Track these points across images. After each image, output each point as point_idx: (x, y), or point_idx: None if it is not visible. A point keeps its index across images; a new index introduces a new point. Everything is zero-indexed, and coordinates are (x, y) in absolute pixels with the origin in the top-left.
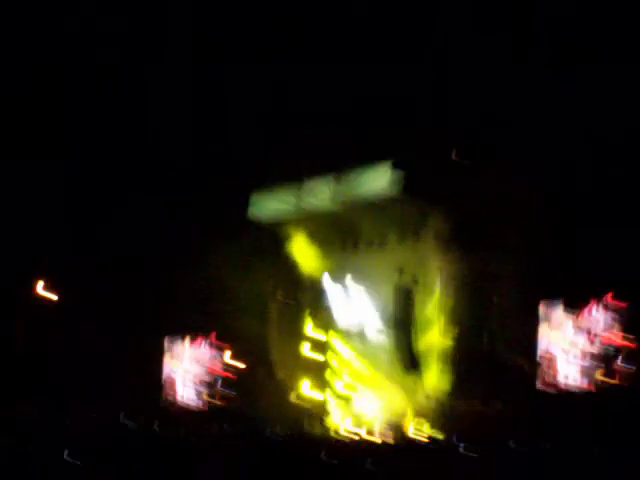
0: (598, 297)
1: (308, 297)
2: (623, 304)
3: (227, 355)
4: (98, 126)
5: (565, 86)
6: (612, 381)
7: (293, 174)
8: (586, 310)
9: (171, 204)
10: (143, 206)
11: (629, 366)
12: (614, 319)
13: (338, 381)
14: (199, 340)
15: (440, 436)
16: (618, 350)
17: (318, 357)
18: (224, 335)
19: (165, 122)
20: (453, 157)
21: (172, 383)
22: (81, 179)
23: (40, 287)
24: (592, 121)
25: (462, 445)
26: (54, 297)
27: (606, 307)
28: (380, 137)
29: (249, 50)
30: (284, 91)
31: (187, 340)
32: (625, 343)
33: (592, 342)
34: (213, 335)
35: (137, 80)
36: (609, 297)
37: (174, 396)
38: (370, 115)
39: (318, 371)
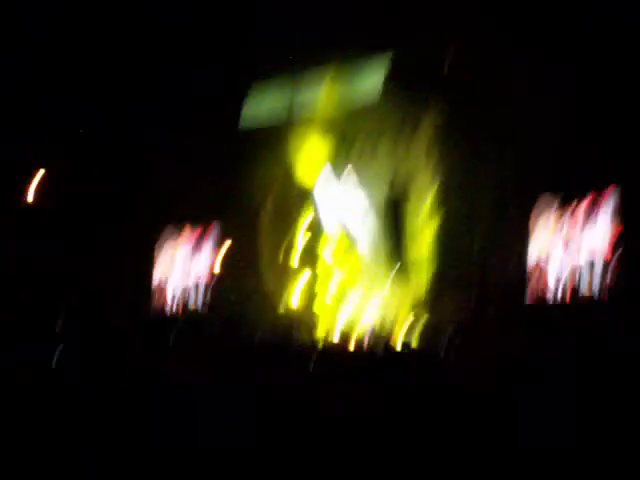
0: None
1: (300, 205)
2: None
3: (216, 265)
4: None
5: None
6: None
7: (282, 78)
8: (580, 213)
9: (166, 107)
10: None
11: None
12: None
13: (327, 292)
14: (192, 233)
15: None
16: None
17: (307, 267)
18: (221, 229)
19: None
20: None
21: (162, 291)
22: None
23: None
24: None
25: (445, 354)
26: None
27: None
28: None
29: None
30: None
31: (178, 243)
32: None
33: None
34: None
35: None
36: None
37: (163, 304)
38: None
39: (307, 282)
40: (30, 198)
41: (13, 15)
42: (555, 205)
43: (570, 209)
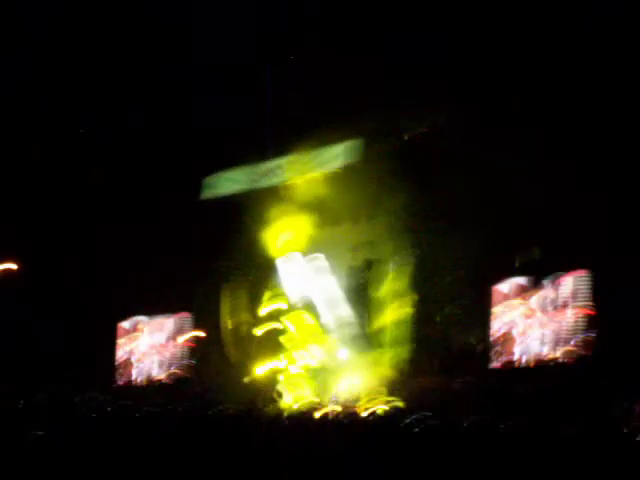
0: (554, 272)
1: (266, 277)
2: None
3: (183, 337)
4: None
5: None
6: (569, 353)
7: (247, 156)
8: (541, 286)
9: (124, 189)
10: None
11: (587, 335)
12: (569, 293)
13: (292, 362)
14: (155, 323)
15: (389, 411)
16: (576, 322)
17: (273, 337)
18: (191, 314)
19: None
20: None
21: (126, 364)
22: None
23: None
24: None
25: (412, 418)
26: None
27: (561, 282)
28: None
29: None
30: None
31: (141, 322)
32: (583, 312)
33: (548, 317)
34: (170, 317)
35: None
36: (566, 272)
37: (128, 377)
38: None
39: (272, 352)
40: None
41: None
42: (520, 284)
43: (535, 290)
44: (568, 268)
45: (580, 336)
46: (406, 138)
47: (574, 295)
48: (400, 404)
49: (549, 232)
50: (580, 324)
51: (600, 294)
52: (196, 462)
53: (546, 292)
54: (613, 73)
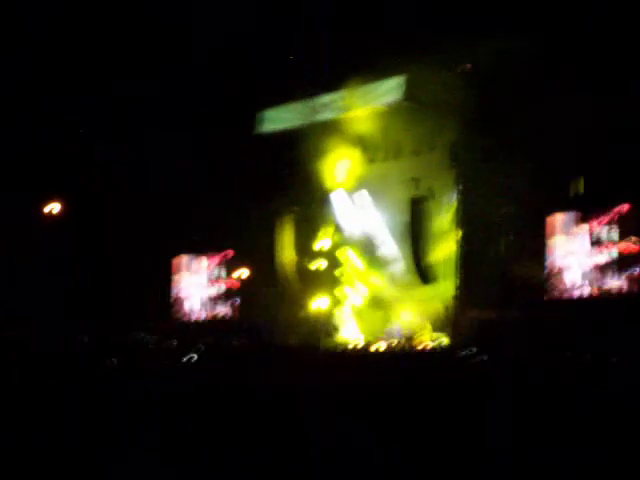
0: (608, 208)
1: (320, 212)
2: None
3: (240, 271)
4: None
5: None
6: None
7: (303, 91)
8: (596, 220)
9: (182, 124)
10: (147, 126)
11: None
12: (623, 229)
13: (347, 296)
14: (212, 257)
15: (448, 343)
16: (627, 258)
17: (328, 272)
18: (238, 252)
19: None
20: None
21: (182, 300)
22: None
23: (51, 207)
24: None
25: (469, 351)
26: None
27: (615, 217)
28: (389, 50)
29: None
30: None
31: (199, 257)
32: (631, 249)
33: (601, 251)
34: (226, 252)
35: None
36: (619, 208)
37: (185, 313)
38: (379, 29)
39: (328, 286)
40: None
41: None
42: (572, 219)
43: (588, 222)
44: (617, 202)
45: (634, 269)
46: (458, 71)
47: (626, 228)
48: (455, 338)
49: (600, 166)
50: (633, 257)
51: None
52: (256, 395)
53: (599, 225)
54: None
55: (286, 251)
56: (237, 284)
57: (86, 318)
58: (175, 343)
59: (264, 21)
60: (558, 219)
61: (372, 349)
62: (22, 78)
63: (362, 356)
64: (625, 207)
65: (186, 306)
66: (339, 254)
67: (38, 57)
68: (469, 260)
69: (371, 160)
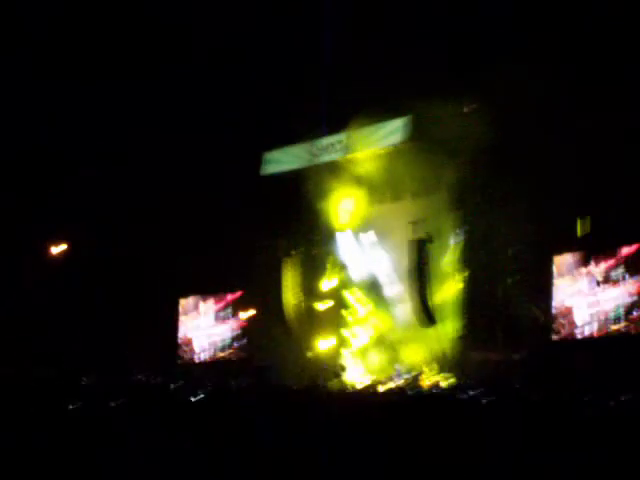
0: (614, 248)
1: (326, 252)
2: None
3: (245, 313)
4: None
5: None
6: (628, 329)
7: (306, 132)
8: (602, 260)
9: (184, 164)
10: (155, 167)
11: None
12: (630, 270)
13: (354, 336)
14: (216, 299)
15: (453, 384)
16: (632, 297)
17: (335, 312)
18: (244, 293)
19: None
20: (465, 109)
21: (189, 342)
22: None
23: (52, 248)
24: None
25: (474, 393)
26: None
27: (622, 258)
28: (389, 92)
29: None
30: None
31: (206, 298)
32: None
33: (607, 292)
34: (232, 294)
35: None
36: (626, 248)
37: (191, 354)
38: (379, 71)
39: (334, 327)
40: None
41: None
42: (577, 259)
43: (593, 263)
44: (626, 241)
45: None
46: (464, 111)
47: (632, 268)
48: (462, 378)
49: (606, 206)
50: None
51: None
52: (263, 436)
53: (606, 265)
54: None
55: (292, 291)
56: (244, 325)
57: (91, 359)
58: (181, 384)
59: (269, 62)
60: (564, 259)
61: (379, 389)
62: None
63: (370, 396)
64: (633, 247)
65: (193, 347)
66: (345, 294)
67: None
68: (474, 300)
69: (376, 201)
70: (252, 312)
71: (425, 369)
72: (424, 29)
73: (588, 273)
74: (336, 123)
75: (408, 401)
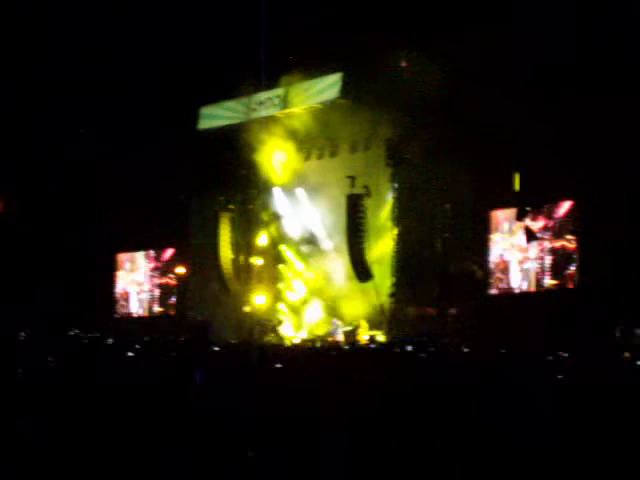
0: (547, 205)
1: (260, 207)
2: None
3: (180, 269)
4: None
5: None
6: (556, 284)
7: (241, 88)
8: (539, 217)
9: (119, 120)
10: (90, 124)
11: (571, 268)
12: (563, 225)
13: (291, 290)
14: (153, 254)
15: (386, 339)
16: (565, 254)
17: (271, 268)
18: (179, 249)
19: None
20: (402, 63)
21: (125, 297)
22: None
23: None
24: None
25: (408, 347)
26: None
27: (555, 214)
28: (328, 48)
29: None
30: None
31: (141, 254)
32: (570, 245)
33: (542, 247)
34: (168, 250)
35: None
36: (558, 205)
37: (127, 309)
38: (315, 28)
39: (271, 282)
40: None
41: None
42: (512, 215)
43: (529, 218)
44: (556, 199)
45: (575, 264)
46: (395, 68)
47: (568, 224)
48: (398, 332)
49: (537, 164)
50: (572, 253)
51: (591, 223)
52: (198, 392)
53: (542, 220)
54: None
55: (229, 247)
56: (180, 280)
57: (26, 314)
58: (115, 340)
59: (203, 21)
60: (501, 214)
61: (317, 344)
62: None
63: (305, 350)
64: (569, 203)
65: (129, 303)
66: (282, 249)
67: None
68: (407, 257)
69: (309, 157)
70: (188, 267)
71: (362, 323)
72: None
73: (525, 228)
74: (271, 79)
75: (343, 356)
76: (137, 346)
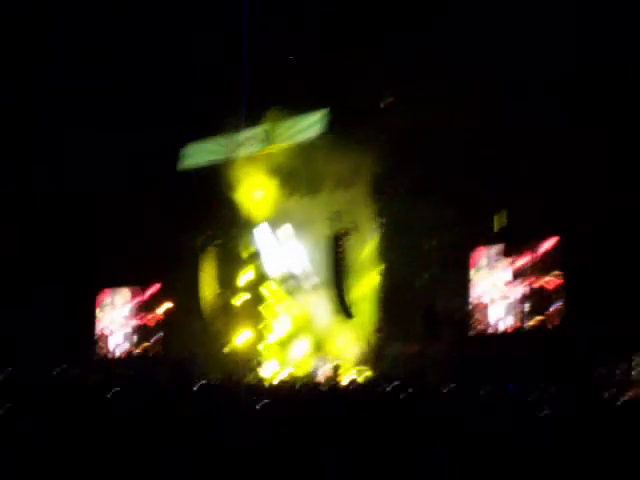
0: (531, 243)
1: (243, 246)
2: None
3: (162, 307)
4: None
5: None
6: (541, 320)
7: (223, 126)
8: (519, 254)
9: (103, 158)
10: (74, 161)
11: (557, 304)
12: (544, 263)
13: (271, 330)
14: (133, 293)
15: (369, 378)
16: (548, 291)
17: (251, 307)
18: (161, 288)
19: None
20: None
21: (108, 334)
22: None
23: None
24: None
25: (391, 386)
26: None
27: (538, 253)
28: (309, 86)
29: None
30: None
31: (123, 292)
32: (554, 283)
33: (523, 285)
34: (150, 288)
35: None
36: (543, 244)
37: (107, 349)
38: (297, 64)
39: (252, 321)
40: None
41: None
42: (495, 252)
43: (510, 257)
44: (541, 235)
45: (557, 303)
46: (381, 106)
47: (549, 262)
48: (376, 372)
49: (522, 200)
50: (555, 291)
51: (573, 261)
52: (178, 434)
53: (523, 259)
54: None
55: (210, 285)
56: (160, 319)
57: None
58: (97, 379)
59: (187, 58)
60: (482, 253)
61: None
62: None
63: (284, 391)
64: (550, 242)
65: (110, 341)
66: (262, 289)
67: None
68: (391, 294)
69: (294, 194)
70: (169, 306)
71: (343, 363)
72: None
73: (505, 267)
74: (254, 116)
75: (320, 396)
76: (116, 388)
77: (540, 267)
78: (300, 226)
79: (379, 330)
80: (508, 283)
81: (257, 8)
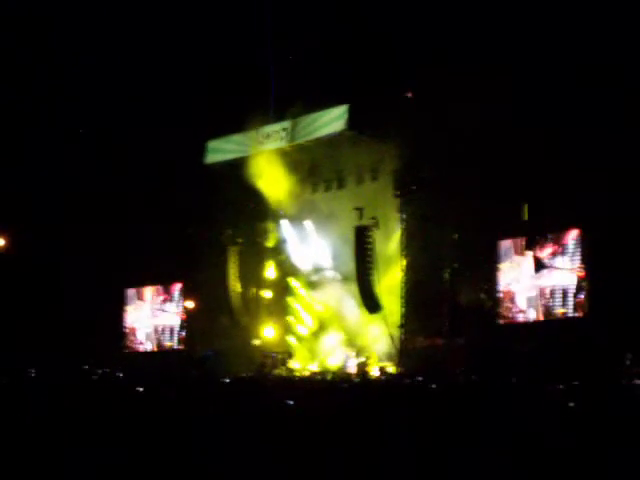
0: (555, 233)
1: (268, 240)
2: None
3: (187, 303)
4: None
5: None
6: (565, 312)
7: (249, 121)
8: (543, 246)
9: (129, 155)
10: (100, 159)
11: (580, 296)
12: (571, 254)
13: (300, 323)
14: (161, 289)
15: (399, 370)
16: (574, 282)
17: (279, 301)
18: (187, 283)
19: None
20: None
21: (134, 331)
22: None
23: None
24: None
25: (419, 379)
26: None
27: (565, 242)
28: (331, 81)
29: None
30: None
31: (150, 289)
32: (579, 275)
33: (550, 276)
34: (176, 284)
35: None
36: (566, 233)
37: (136, 344)
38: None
39: (280, 314)
40: None
41: None
42: (522, 243)
43: (536, 246)
44: (567, 225)
45: (582, 293)
46: (401, 98)
47: (577, 252)
48: (407, 363)
49: (548, 191)
50: (583, 280)
51: (599, 250)
52: (209, 426)
53: (550, 249)
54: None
55: (237, 280)
56: (188, 314)
57: (36, 351)
58: (124, 374)
59: (208, 53)
60: (509, 243)
61: (327, 376)
62: None
63: (316, 384)
64: (576, 232)
65: (137, 337)
66: (290, 281)
67: None
68: (415, 288)
69: (318, 189)
70: (196, 301)
71: (372, 355)
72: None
73: (533, 257)
74: (279, 111)
75: (354, 388)
76: (143, 384)
77: (567, 257)
78: (325, 220)
79: (404, 323)
80: (536, 273)
81: (282, 5)
